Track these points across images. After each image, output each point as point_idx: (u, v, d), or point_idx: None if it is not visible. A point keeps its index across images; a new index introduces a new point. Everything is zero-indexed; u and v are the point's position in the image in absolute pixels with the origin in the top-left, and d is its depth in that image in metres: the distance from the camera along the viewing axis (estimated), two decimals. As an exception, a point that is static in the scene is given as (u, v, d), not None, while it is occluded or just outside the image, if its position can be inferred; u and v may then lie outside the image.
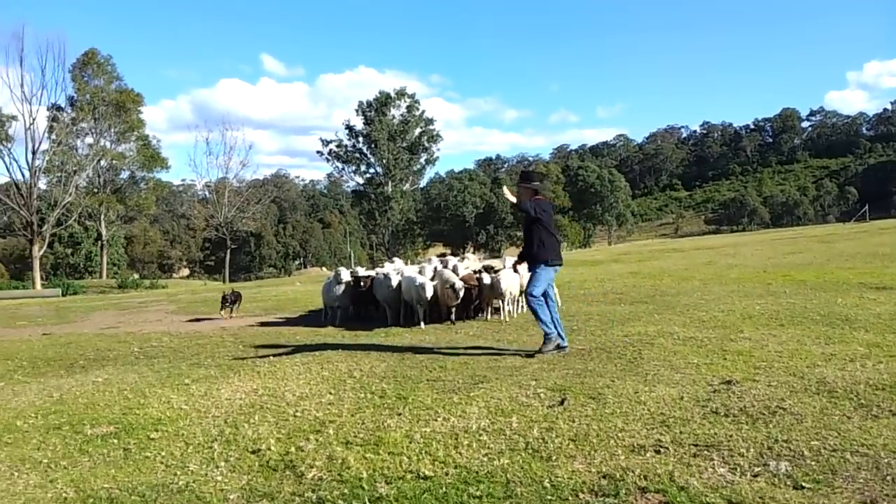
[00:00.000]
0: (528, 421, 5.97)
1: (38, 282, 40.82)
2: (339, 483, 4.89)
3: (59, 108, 45.80)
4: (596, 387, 6.97)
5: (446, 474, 4.88)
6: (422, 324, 12.03)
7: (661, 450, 5.07)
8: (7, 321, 17.29)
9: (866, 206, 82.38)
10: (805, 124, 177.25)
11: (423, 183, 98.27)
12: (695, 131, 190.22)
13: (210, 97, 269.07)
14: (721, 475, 4.56)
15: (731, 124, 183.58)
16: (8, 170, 42.71)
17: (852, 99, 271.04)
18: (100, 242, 60.44)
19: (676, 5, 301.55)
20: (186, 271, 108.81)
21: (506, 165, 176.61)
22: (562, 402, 6.40)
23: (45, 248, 45.48)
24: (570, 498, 4.34)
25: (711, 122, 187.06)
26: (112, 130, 47.77)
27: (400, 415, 6.47)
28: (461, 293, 11.66)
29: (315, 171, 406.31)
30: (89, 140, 47.93)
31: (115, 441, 6.17)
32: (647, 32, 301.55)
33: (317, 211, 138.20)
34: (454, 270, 12.66)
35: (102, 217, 53.96)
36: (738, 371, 7.34)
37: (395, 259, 16.66)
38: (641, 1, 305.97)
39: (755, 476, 4.52)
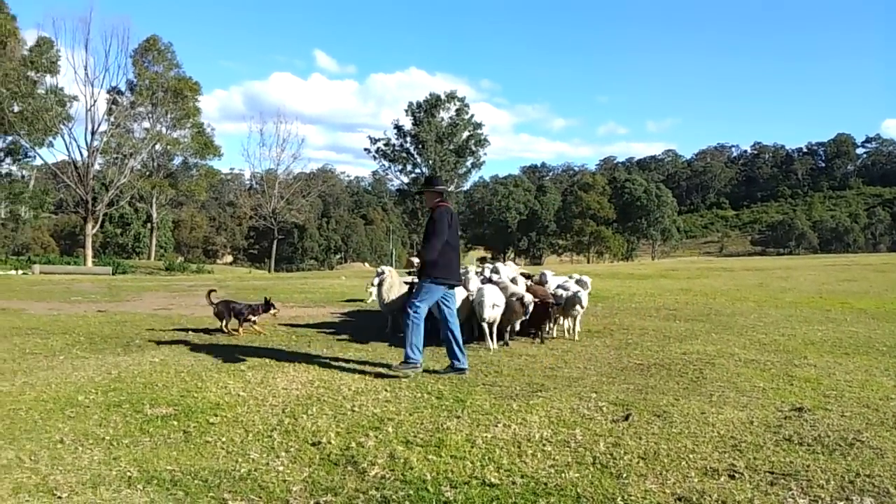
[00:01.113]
0: (593, 434, 5.82)
1: (90, 259, 41.68)
2: (402, 483, 4.80)
3: (119, 92, 46.85)
4: (660, 404, 6.79)
5: (513, 483, 4.76)
6: (492, 344, 9.98)
7: (736, 475, 4.89)
8: (62, 295, 17.60)
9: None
10: (860, 151, 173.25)
11: (466, 186, 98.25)
12: (745, 151, 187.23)
13: (262, 90, 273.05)
14: (803, 506, 4.37)
15: (783, 146, 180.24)
16: (67, 149, 43.86)
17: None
18: (149, 224, 61.64)
19: (735, 27, 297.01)
20: (230, 258, 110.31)
21: (551, 174, 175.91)
22: (626, 418, 6.24)
23: (97, 226, 46.37)
24: (646, 518, 4.19)
25: (763, 143, 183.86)
26: (168, 116, 48.58)
27: (459, 417, 6.37)
28: (530, 308, 9.86)
29: (360, 168, 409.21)
30: (146, 124, 49.05)
31: (175, 423, 6.18)
32: (701, 51, 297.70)
33: (360, 207, 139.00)
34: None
35: (154, 200, 54.97)
36: (807, 398, 7.10)
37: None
38: (699, 20, 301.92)
39: (839, 510, 4.32)
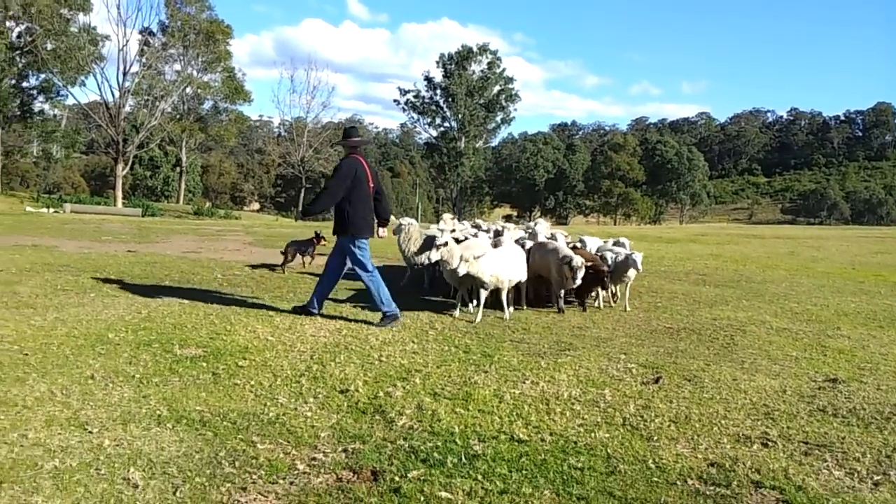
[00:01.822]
0: (623, 396, 5.76)
1: (120, 200, 42.09)
2: (430, 434, 4.78)
3: (151, 33, 46.77)
4: (690, 369, 6.70)
5: (542, 440, 4.72)
6: (507, 311, 9.17)
7: (769, 444, 4.81)
8: (92, 234, 17.78)
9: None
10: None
11: (494, 142, 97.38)
12: (781, 117, 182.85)
13: (293, 35, 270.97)
14: (839, 479, 4.29)
15: (820, 113, 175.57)
16: (99, 89, 44.15)
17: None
18: (178, 168, 61.97)
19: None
20: (257, 205, 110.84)
21: (581, 132, 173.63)
22: (657, 381, 6.17)
23: (127, 168, 46.69)
24: (677, 482, 4.13)
25: (799, 109, 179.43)
26: (199, 59, 48.35)
27: (486, 372, 6.34)
28: (580, 274, 9.08)
29: (389, 120, 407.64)
30: (177, 67, 48.88)
31: (204, 364, 6.20)
32: (739, 12, 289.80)
33: (387, 160, 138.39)
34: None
35: (184, 144, 55.13)
36: (841, 370, 6.97)
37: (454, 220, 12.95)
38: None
39: (876, 484, 4.23)
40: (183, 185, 65.16)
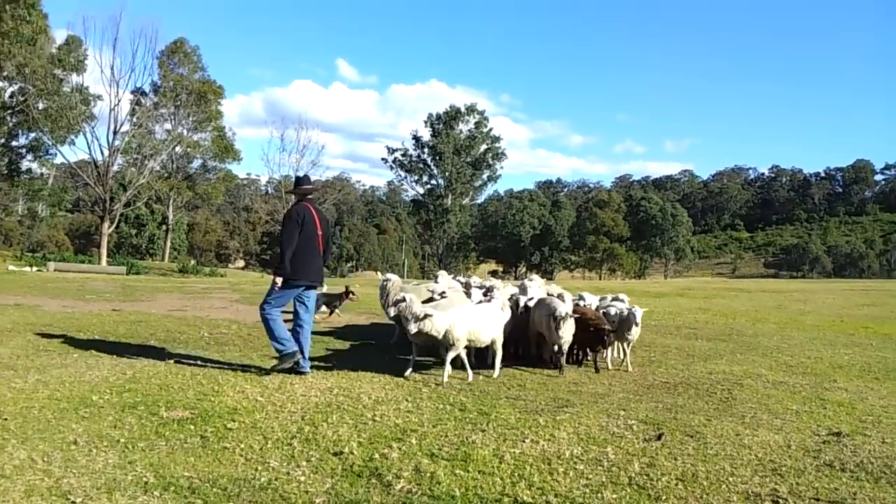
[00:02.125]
0: (626, 453, 5.59)
1: (105, 258, 41.68)
2: (430, 499, 4.59)
3: (143, 93, 47.00)
4: (691, 424, 6.55)
5: (547, 502, 4.54)
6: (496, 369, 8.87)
7: (779, 501, 4.67)
8: (76, 293, 17.51)
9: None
10: (878, 177, 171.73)
11: (480, 199, 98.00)
12: (762, 174, 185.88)
13: (283, 96, 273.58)
14: (855, 539, 4.13)
15: (801, 170, 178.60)
16: (89, 147, 43.93)
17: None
18: (165, 226, 61.68)
19: (756, 49, 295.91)
20: (242, 263, 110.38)
21: (566, 189, 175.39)
22: (659, 437, 6.01)
23: (113, 226, 46.41)
24: (690, 545, 3.96)
25: (780, 166, 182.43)
26: (190, 119, 48.59)
27: (484, 431, 6.16)
28: (564, 326, 8.71)
29: (375, 178, 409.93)
30: (167, 126, 48.96)
31: (192, 427, 5.99)
32: (720, 73, 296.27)
33: (374, 216, 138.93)
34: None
35: (171, 202, 54.97)
36: (843, 423, 6.85)
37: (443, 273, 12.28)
38: (720, 42, 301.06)
39: (894, 544, 4.08)
40: (168, 243, 64.81)
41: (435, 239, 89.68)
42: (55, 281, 21.56)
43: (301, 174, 10.95)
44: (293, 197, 8.88)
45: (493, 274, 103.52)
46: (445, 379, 8.27)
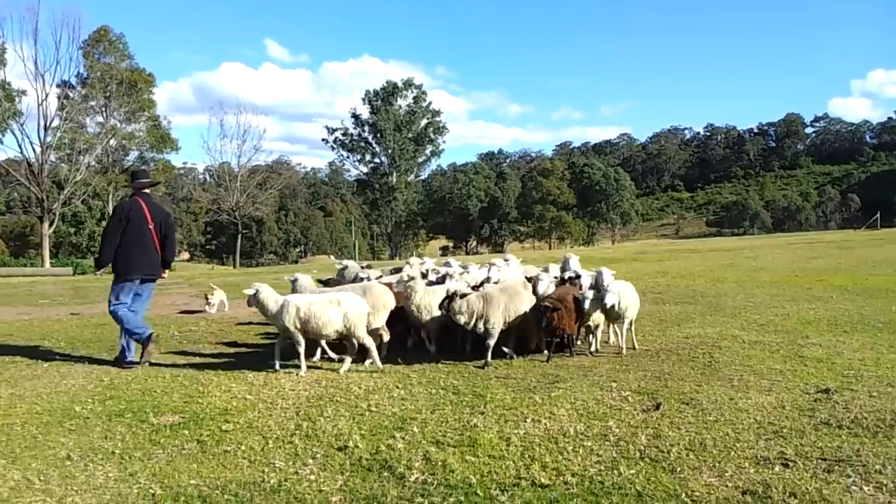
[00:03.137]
0: (629, 426, 5.63)
1: (48, 260, 40.32)
2: (448, 488, 4.55)
3: (70, 86, 45.27)
4: (684, 391, 6.64)
5: (565, 483, 4.54)
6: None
7: (790, 463, 4.74)
8: (26, 298, 16.89)
9: (878, 214, 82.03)
10: (809, 130, 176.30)
11: (424, 175, 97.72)
12: (698, 133, 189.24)
13: (212, 80, 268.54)
14: (870, 494, 4.24)
15: (734, 127, 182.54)
16: (20, 146, 42.05)
17: (856, 107, 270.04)
18: (104, 223, 59.88)
19: (682, 8, 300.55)
20: (186, 255, 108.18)
21: (508, 160, 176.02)
22: (657, 407, 6.07)
23: (54, 225, 44.87)
24: (718, 515, 4.00)
25: (715, 125, 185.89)
26: (122, 110, 46.99)
27: (483, 414, 6.13)
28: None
29: (315, 159, 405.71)
30: (99, 119, 47.25)
31: (186, 432, 5.82)
32: (652, 33, 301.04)
33: (318, 199, 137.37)
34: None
35: (110, 197, 53.32)
36: (828, 380, 7.02)
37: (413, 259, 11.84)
38: (647, 2, 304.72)
39: (908, 497, 4.19)
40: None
41: (383, 218, 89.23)
42: (0, 287, 20.75)
43: (137, 168, 10.90)
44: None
45: (444, 250, 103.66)
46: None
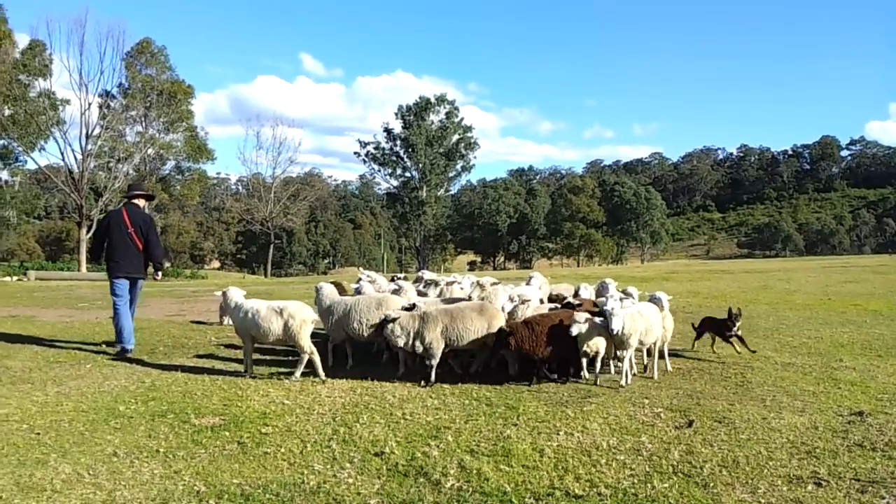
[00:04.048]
0: (662, 442, 5.69)
1: (84, 265, 41.16)
2: (483, 495, 4.65)
3: (112, 96, 46.25)
4: (716, 410, 6.67)
5: (599, 494, 4.62)
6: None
7: (822, 483, 4.78)
8: (66, 301, 17.30)
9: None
10: (844, 153, 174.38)
11: (454, 190, 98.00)
12: (731, 154, 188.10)
13: (247, 93, 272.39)
14: (904, 516, 4.26)
15: (768, 149, 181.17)
16: (62, 153, 43.06)
17: (893, 130, 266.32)
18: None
19: (718, 29, 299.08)
20: (217, 263, 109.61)
21: (538, 177, 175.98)
22: (690, 424, 6.12)
23: (91, 231, 45.78)
24: (751, 530, 4.06)
25: (749, 146, 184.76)
26: (161, 120, 48.00)
27: (516, 426, 6.22)
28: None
29: (346, 172, 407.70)
30: (138, 128, 48.28)
31: (227, 434, 5.99)
32: (687, 53, 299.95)
33: (347, 211, 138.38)
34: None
35: (145, 205, 54.14)
36: (861, 402, 7.00)
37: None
38: (684, 23, 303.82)
39: (942, 519, 4.21)
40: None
41: (412, 232, 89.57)
42: (40, 290, 21.27)
43: (137, 181, 12.46)
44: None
45: (472, 265, 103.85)
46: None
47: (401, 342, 8.03)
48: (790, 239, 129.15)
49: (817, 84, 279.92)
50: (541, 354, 7.75)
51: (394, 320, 8.03)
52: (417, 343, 7.99)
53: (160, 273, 10.59)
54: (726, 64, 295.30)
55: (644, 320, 7.99)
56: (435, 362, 8.01)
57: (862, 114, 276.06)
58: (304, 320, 8.09)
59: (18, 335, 11.02)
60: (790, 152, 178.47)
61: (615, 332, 7.62)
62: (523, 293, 9.09)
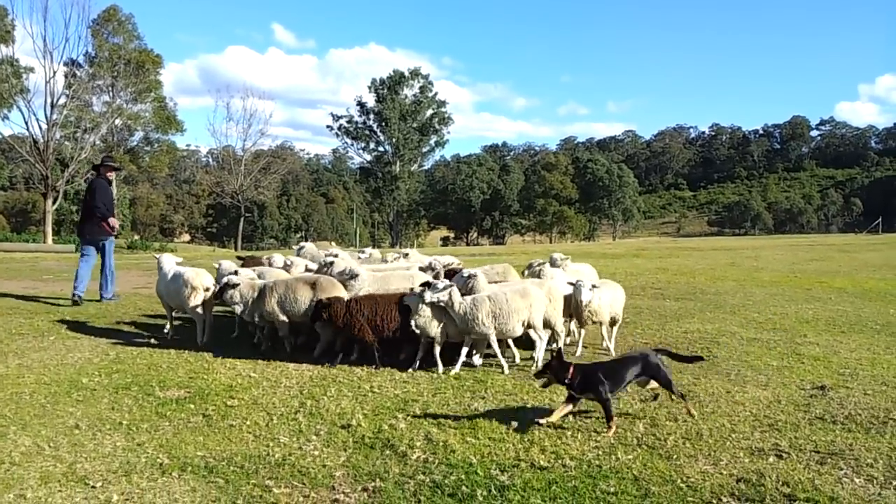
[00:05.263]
0: (627, 415, 5.74)
1: (50, 236, 40.45)
2: (448, 467, 4.65)
3: (77, 65, 45.21)
4: (682, 383, 6.71)
5: (564, 466, 4.64)
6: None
7: (783, 455, 4.85)
8: (31, 273, 16.99)
9: (880, 219, 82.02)
10: (814, 133, 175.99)
11: (427, 165, 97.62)
12: (703, 132, 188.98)
13: (217, 63, 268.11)
14: (861, 486, 4.34)
15: (739, 128, 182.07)
16: (26, 122, 41.98)
17: (862, 111, 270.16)
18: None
19: (691, 6, 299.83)
20: (187, 237, 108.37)
21: (512, 153, 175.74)
22: (655, 398, 6.17)
23: (58, 202, 44.90)
24: (712, 501, 4.11)
25: (720, 124, 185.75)
26: (129, 90, 46.97)
27: (484, 398, 6.24)
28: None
29: (319, 146, 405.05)
30: (105, 98, 47.21)
31: (192, 406, 5.94)
32: (660, 31, 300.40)
33: (320, 185, 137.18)
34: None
35: (113, 177, 53.23)
36: (823, 377, 7.11)
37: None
38: (661, 0, 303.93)
39: (898, 490, 4.30)
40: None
41: (385, 206, 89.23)
42: (4, 262, 20.86)
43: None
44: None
45: (445, 240, 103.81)
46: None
47: (238, 309, 8.05)
48: (759, 217, 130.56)
49: (789, 63, 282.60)
50: (356, 333, 7.36)
51: (234, 286, 7.97)
52: (256, 314, 8.00)
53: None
54: (700, 41, 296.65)
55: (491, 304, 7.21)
56: (283, 332, 8.03)
57: (832, 94, 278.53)
58: (195, 287, 8.39)
59: (-20, 307, 10.80)
60: (761, 132, 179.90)
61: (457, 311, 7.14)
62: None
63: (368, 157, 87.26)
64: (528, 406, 5.97)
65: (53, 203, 43.48)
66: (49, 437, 5.12)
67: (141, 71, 47.03)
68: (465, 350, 7.34)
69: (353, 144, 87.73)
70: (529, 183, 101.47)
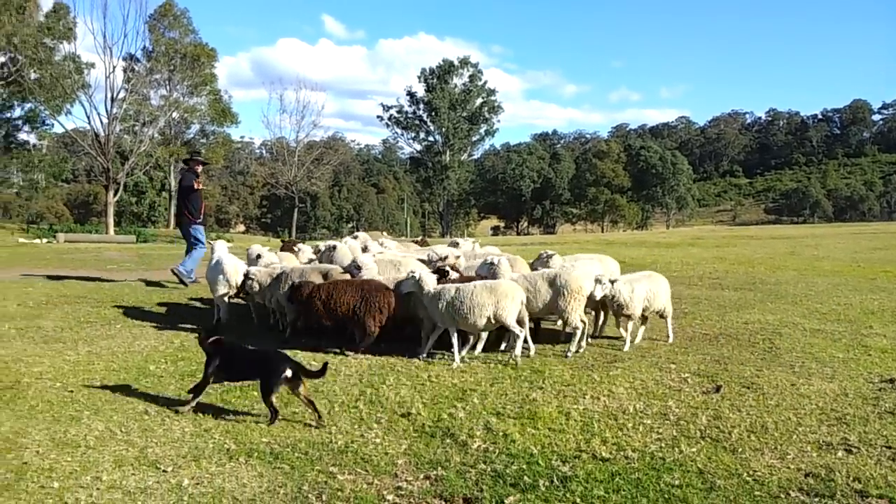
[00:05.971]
0: (689, 407, 5.67)
1: (112, 227, 41.60)
2: (509, 457, 4.67)
3: (136, 59, 46.28)
4: (744, 375, 6.63)
5: (626, 458, 4.62)
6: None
7: (853, 450, 4.75)
8: (94, 264, 17.50)
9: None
10: (876, 117, 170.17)
11: (477, 154, 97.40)
12: (759, 118, 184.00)
13: (269, 55, 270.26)
14: (937, 483, 4.21)
15: (797, 113, 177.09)
16: (87, 117, 43.20)
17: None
18: (167, 193, 61.48)
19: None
20: (242, 227, 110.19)
21: (562, 141, 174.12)
22: (717, 390, 6.09)
23: (118, 194, 46.12)
24: (780, 496, 4.05)
25: (777, 110, 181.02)
26: (185, 83, 47.97)
27: (542, 389, 6.24)
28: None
29: (369, 136, 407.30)
30: (163, 92, 48.28)
31: (255, 393, 6.02)
32: (714, 14, 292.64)
33: (371, 176, 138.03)
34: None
35: (172, 168, 54.61)
36: (892, 369, 6.92)
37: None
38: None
39: (976, 487, 4.16)
40: (172, 210, 64.67)
41: (435, 196, 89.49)
42: (69, 252, 21.49)
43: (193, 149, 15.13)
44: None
45: (495, 230, 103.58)
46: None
47: (258, 297, 8.82)
48: (819, 205, 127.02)
49: (849, 46, 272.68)
50: (321, 318, 7.77)
51: (251, 277, 8.59)
52: (271, 298, 8.58)
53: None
54: (755, 25, 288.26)
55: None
56: (291, 317, 8.41)
57: (894, 77, 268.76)
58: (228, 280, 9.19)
59: (50, 296, 11.17)
60: (820, 116, 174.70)
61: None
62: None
63: (418, 147, 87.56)
64: (587, 397, 5.94)
65: (115, 195, 44.66)
66: (121, 422, 5.29)
67: (196, 64, 47.92)
68: (433, 337, 7.55)
69: (403, 134, 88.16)
70: (580, 171, 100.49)
